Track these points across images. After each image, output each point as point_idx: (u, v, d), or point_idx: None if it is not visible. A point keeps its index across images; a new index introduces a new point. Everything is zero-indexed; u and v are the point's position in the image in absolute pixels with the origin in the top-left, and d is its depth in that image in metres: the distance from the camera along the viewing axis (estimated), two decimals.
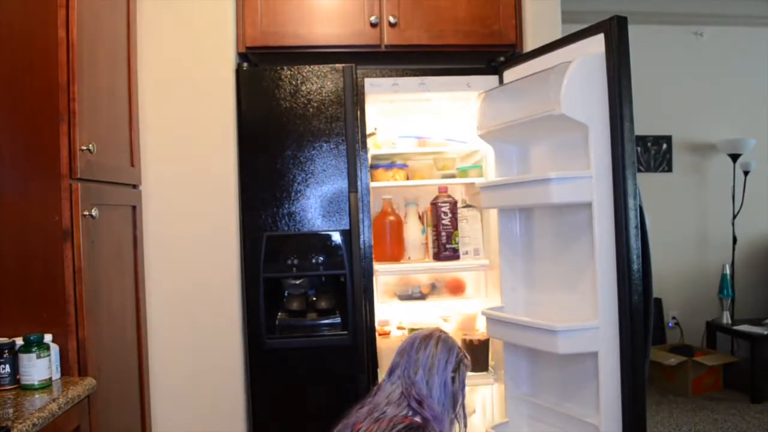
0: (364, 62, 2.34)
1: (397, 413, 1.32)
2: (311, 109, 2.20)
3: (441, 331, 1.49)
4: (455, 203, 2.45)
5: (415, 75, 2.33)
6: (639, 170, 3.72)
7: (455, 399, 1.40)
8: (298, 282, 2.37)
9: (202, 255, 2.16)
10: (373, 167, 2.47)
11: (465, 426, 1.43)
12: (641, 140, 4.27)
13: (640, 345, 1.78)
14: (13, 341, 1.47)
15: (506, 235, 2.25)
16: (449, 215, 2.42)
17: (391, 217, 2.50)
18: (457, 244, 2.43)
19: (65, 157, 1.53)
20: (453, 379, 1.39)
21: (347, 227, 2.20)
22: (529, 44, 2.30)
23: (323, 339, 2.21)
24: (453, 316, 2.57)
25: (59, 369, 1.52)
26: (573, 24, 2.15)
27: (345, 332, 2.20)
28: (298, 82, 2.20)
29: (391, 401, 1.36)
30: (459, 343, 2.55)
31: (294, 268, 2.19)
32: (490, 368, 2.44)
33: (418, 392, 1.35)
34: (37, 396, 1.40)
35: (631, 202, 1.77)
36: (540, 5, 2.35)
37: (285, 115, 2.19)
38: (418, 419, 1.31)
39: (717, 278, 4.01)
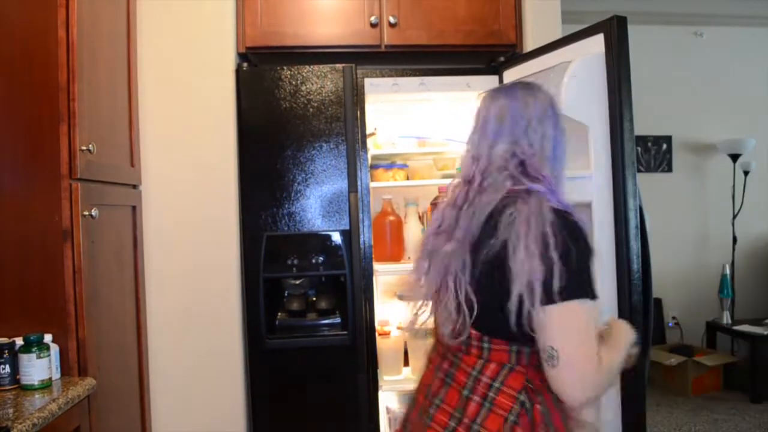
0: (364, 62, 2.34)
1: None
2: (311, 109, 2.20)
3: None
4: None
5: (415, 75, 2.33)
6: (639, 170, 3.72)
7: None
8: (298, 282, 2.37)
9: (202, 255, 2.16)
10: (373, 167, 2.47)
11: None
12: (641, 140, 4.26)
13: (639, 345, 1.77)
14: (13, 341, 1.47)
15: None
16: None
17: (391, 217, 2.49)
18: None
19: (65, 157, 1.53)
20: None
21: (347, 227, 2.20)
22: (529, 44, 2.30)
23: (323, 339, 2.21)
24: None
25: (59, 369, 1.52)
26: (573, 24, 2.15)
27: (345, 332, 2.20)
28: (298, 82, 2.20)
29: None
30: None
31: (294, 268, 2.19)
32: None
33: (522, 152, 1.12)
34: (37, 396, 1.40)
35: (631, 202, 1.77)
36: (540, 5, 2.35)
37: (285, 115, 2.19)
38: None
39: (717, 278, 4.00)
